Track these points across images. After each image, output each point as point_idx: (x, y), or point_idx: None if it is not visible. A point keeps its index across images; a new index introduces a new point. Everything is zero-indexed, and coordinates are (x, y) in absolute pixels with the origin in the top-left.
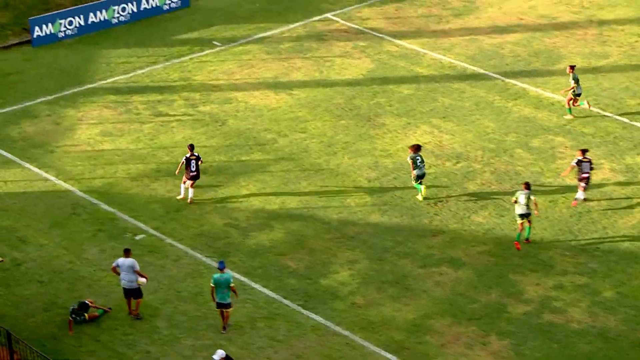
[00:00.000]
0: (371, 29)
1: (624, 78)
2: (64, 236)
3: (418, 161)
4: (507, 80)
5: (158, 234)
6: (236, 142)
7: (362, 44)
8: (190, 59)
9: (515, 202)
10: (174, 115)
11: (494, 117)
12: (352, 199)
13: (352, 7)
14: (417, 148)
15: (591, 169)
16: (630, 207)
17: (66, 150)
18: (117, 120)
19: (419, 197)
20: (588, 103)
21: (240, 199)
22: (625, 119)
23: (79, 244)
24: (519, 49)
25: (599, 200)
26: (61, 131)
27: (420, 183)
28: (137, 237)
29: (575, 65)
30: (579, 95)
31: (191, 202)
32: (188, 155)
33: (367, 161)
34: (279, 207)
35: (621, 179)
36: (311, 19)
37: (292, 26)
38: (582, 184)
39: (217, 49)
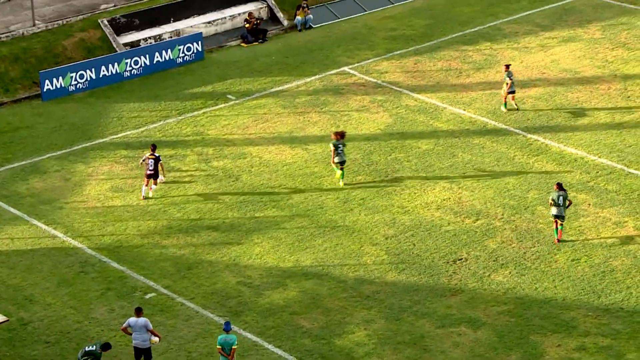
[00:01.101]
0: (389, 82)
1: None
2: (72, 295)
3: (339, 149)
4: (529, 135)
5: (169, 293)
6: (250, 198)
7: (380, 98)
8: (204, 113)
9: (552, 204)
10: (186, 170)
11: (515, 174)
12: (369, 256)
13: (370, 60)
14: (341, 135)
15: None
16: None
17: (75, 206)
18: (127, 176)
19: (340, 184)
20: (516, 104)
21: (254, 257)
22: None
23: (87, 303)
24: (541, 104)
25: (622, 259)
26: (70, 187)
27: (342, 169)
28: (147, 296)
29: (510, 64)
30: (513, 92)
31: (144, 199)
32: (148, 154)
33: (384, 218)
34: (293, 265)
35: None
36: (328, 73)
37: (308, 80)
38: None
39: (232, 102)
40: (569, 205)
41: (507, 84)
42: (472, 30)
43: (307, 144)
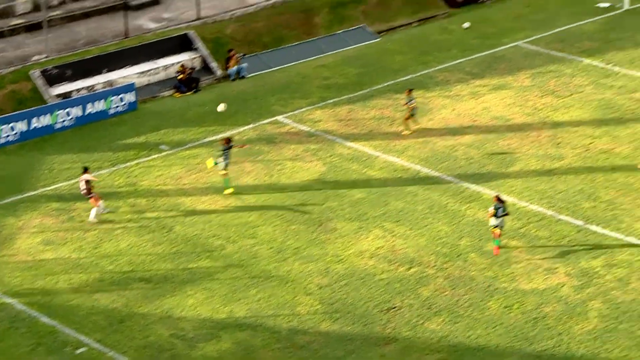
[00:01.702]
0: (323, 131)
1: (579, 180)
2: (1, 352)
3: (225, 154)
4: (461, 183)
5: (100, 347)
6: (183, 249)
7: (313, 146)
8: (137, 163)
9: (491, 215)
10: (119, 222)
11: (447, 221)
12: (303, 306)
13: (304, 109)
14: (227, 141)
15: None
16: (586, 312)
17: (5, 260)
18: (59, 229)
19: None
20: (410, 128)
21: (187, 308)
22: (579, 222)
23: (16, 359)
24: (473, 151)
25: (554, 305)
26: (0, 240)
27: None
28: (78, 351)
29: (412, 89)
30: (413, 115)
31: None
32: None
33: (318, 267)
34: (227, 316)
35: (576, 283)
36: (262, 122)
37: (242, 129)
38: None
39: (165, 153)
40: (506, 215)
41: (409, 108)
42: (404, 78)
43: (241, 194)
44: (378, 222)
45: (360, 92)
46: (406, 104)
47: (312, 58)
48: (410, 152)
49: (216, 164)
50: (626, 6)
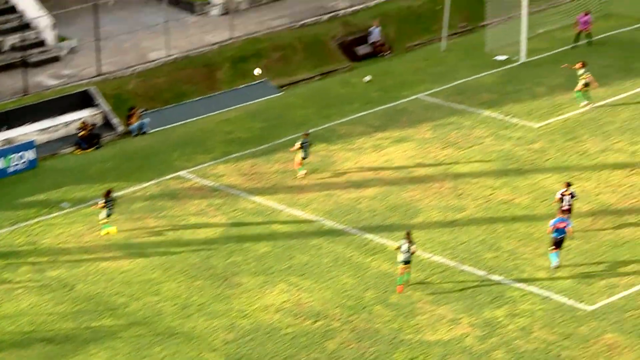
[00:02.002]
0: (227, 185)
1: (480, 231)
2: None
3: (109, 204)
4: (365, 235)
5: None
6: (85, 307)
7: (217, 201)
8: (38, 222)
9: (398, 249)
10: (19, 281)
11: (352, 274)
12: None
13: (207, 164)
14: (107, 193)
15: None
16: None
17: None
18: None
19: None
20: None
21: None
22: (482, 272)
23: None
24: (376, 204)
25: (458, 355)
26: None
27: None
28: None
29: (309, 133)
30: (305, 157)
31: None
32: None
33: (223, 323)
34: None
35: (480, 333)
36: (164, 177)
37: (144, 185)
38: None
39: (66, 210)
40: (414, 252)
41: (301, 152)
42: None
43: (145, 250)
44: (283, 276)
45: (264, 146)
46: (300, 147)
47: (215, 113)
48: (314, 205)
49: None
50: (523, 59)
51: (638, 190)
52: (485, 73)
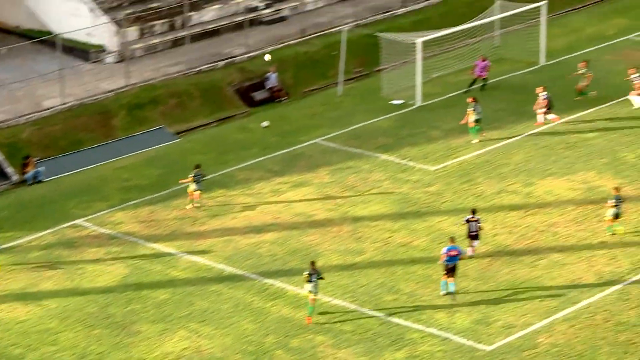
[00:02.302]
0: (124, 233)
1: (379, 274)
2: None
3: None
4: (265, 280)
5: None
6: None
7: (115, 249)
8: None
9: (307, 280)
10: None
11: (252, 319)
12: None
13: (104, 212)
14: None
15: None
16: None
17: None
18: None
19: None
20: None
21: None
22: (382, 315)
23: None
24: (276, 248)
25: None
26: None
27: None
28: None
29: (199, 164)
30: (200, 190)
31: None
32: None
33: None
34: None
35: None
36: (61, 226)
37: (40, 234)
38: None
39: None
40: (321, 279)
41: (194, 184)
42: (205, 178)
43: (41, 300)
44: (183, 323)
45: (162, 193)
46: (192, 179)
47: (112, 160)
48: (214, 251)
49: None
50: (418, 103)
51: (533, 231)
52: (382, 117)
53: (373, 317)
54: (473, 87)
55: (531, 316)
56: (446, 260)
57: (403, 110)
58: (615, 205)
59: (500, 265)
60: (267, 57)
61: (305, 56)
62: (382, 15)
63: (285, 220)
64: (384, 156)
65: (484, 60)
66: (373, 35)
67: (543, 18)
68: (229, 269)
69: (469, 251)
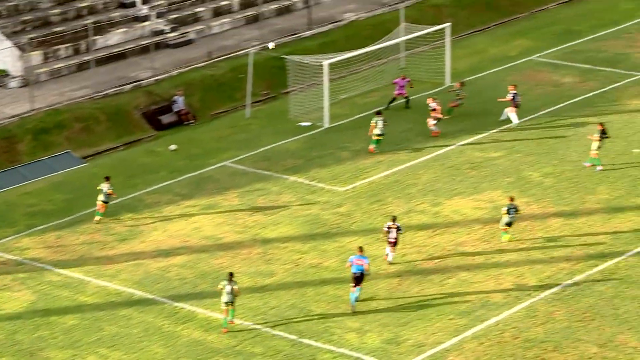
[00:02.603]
0: (31, 259)
1: (290, 295)
2: None
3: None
4: (175, 303)
5: None
6: None
7: (21, 275)
8: None
9: (221, 289)
10: None
11: (163, 343)
12: None
13: (10, 238)
14: None
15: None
16: None
17: None
18: None
19: None
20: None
21: None
22: (293, 336)
23: None
24: (186, 271)
25: None
26: None
27: None
28: None
29: (108, 176)
30: (106, 202)
31: None
32: None
33: None
34: None
35: None
36: None
37: None
38: None
39: None
40: (237, 293)
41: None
42: (113, 202)
43: None
44: (92, 349)
45: (69, 218)
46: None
47: (17, 185)
48: (123, 275)
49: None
50: (326, 125)
51: (441, 250)
52: (290, 139)
53: (284, 338)
54: (392, 104)
55: (441, 334)
56: (352, 269)
57: (311, 132)
58: (508, 214)
59: (410, 285)
60: (271, 45)
61: (212, 79)
62: (288, 37)
63: (195, 244)
64: (292, 178)
65: (403, 79)
66: (280, 57)
67: (447, 39)
68: (139, 293)
69: (387, 257)
